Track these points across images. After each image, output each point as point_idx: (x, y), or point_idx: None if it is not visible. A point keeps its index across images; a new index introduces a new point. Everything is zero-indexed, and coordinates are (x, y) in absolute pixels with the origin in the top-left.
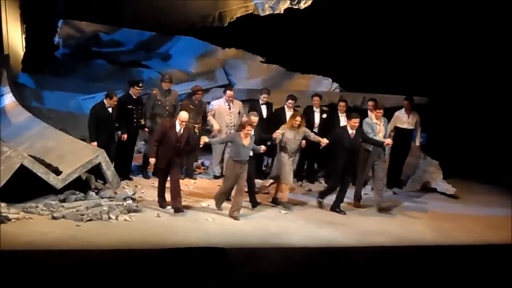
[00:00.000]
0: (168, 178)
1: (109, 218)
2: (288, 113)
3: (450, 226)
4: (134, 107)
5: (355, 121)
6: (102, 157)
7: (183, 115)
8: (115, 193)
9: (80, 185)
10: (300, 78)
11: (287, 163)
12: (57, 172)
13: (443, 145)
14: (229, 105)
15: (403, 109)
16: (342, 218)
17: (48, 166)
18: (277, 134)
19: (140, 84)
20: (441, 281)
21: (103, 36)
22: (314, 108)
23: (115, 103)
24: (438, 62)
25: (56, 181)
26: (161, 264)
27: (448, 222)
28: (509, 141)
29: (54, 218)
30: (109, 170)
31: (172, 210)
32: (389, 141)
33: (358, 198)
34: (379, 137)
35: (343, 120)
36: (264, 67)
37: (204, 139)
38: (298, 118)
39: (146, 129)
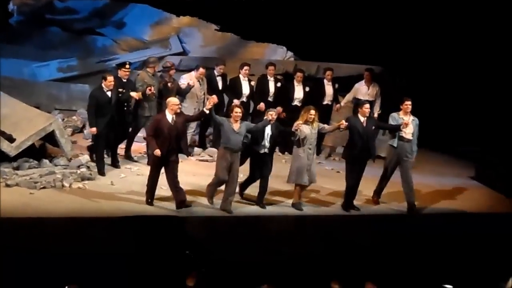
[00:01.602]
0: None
1: (63, 185)
2: (244, 82)
3: (403, 194)
4: (124, 91)
5: (366, 107)
6: (55, 125)
7: (173, 100)
8: (69, 160)
9: (33, 153)
10: (255, 46)
11: (304, 161)
12: (10, 139)
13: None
14: (199, 81)
15: (363, 80)
16: None
17: (2, 133)
18: (298, 124)
19: (127, 66)
20: (393, 249)
21: (57, 3)
22: (269, 77)
23: (112, 83)
24: (392, 29)
25: (9, 149)
26: (115, 232)
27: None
28: (463, 109)
29: (7, 185)
30: (62, 137)
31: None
32: (407, 121)
33: (378, 193)
34: (406, 134)
35: (298, 90)
36: (219, 35)
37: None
38: (313, 112)
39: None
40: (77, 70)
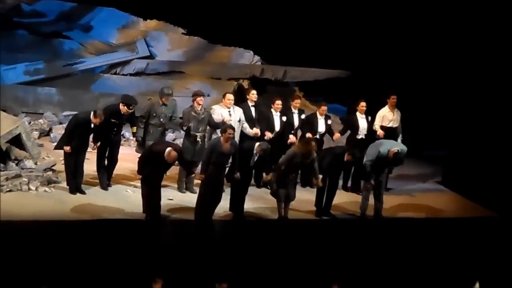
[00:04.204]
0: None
1: (29, 189)
2: (276, 116)
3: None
4: (118, 122)
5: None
6: (22, 128)
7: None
8: (36, 164)
9: (0, 156)
10: (222, 50)
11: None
12: None
13: None
14: (229, 111)
15: (386, 106)
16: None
17: None
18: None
19: (131, 107)
20: (359, 254)
21: (24, 6)
22: (293, 110)
23: (98, 122)
24: (359, 34)
25: None
26: (81, 235)
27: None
28: (431, 113)
29: None
30: (29, 141)
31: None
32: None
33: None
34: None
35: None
36: (186, 39)
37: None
38: (313, 143)
39: (134, 138)
40: (44, 73)
